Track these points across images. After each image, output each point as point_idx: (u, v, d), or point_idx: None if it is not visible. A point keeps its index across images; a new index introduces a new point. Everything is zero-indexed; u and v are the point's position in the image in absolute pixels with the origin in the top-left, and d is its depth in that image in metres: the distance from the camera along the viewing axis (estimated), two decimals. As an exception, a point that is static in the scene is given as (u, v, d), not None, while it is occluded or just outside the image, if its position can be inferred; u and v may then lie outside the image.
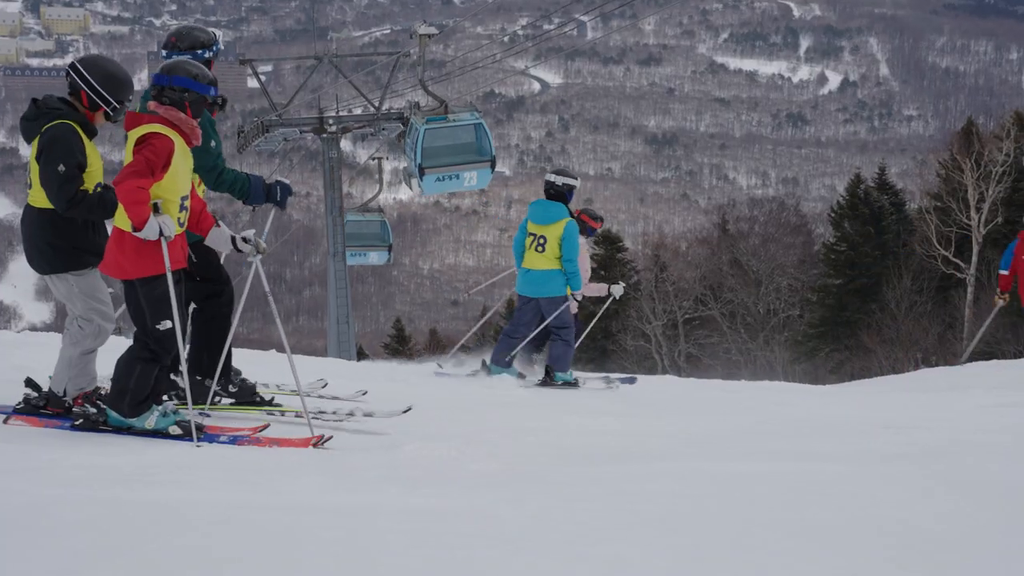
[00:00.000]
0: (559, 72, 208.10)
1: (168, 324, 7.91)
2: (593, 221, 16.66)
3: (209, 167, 9.15)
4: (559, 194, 14.44)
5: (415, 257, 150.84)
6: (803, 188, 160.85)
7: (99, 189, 8.21)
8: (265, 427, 8.58)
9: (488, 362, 14.45)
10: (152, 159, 7.72)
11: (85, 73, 8.31)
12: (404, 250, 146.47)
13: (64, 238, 8.29)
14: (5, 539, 5.13)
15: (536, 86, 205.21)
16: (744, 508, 6.31)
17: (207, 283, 9.47)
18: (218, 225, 8.48)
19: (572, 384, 14.38)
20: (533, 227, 14.35)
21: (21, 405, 8.51)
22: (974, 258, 42.08)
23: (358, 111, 36.78)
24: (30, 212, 8.40)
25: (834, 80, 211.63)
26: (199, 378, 9.33)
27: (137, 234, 7.65)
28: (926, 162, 54.01)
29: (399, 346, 58.34)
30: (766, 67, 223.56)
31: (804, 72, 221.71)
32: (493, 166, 21.76)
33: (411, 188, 22.38)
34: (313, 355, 20.73)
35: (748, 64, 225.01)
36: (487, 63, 65.79)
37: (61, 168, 8.07)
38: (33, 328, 61.30)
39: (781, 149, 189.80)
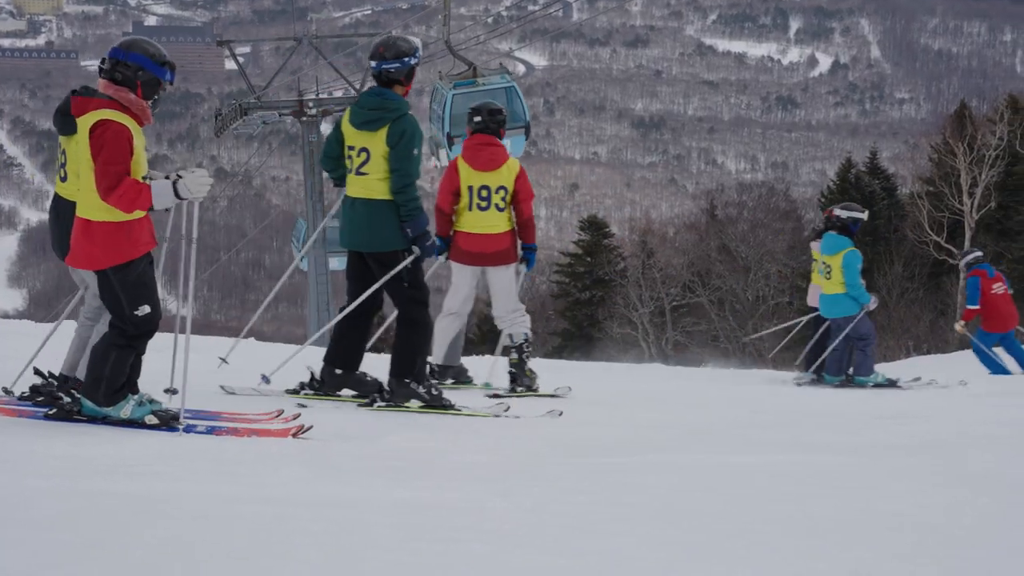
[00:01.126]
0: (544, 54, 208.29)
1: (147, 309, 7.88)
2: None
3: (407, 172, 9.76)
4: (844, 227, 16.04)
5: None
6: (793, 173, 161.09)
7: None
8: (277, 414, 8.68)
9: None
10: (120, 153, 7.72)
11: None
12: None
13: None
14: (-15, 533, 5.08)
15: (521, 68, 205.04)
16: (744, 501, 6.27)
17: (413, 289, 10.02)
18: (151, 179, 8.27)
19: (887, 384, 15.96)
20: (823, 256, 16.18)
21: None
22: (967, 244, 42.12)
23: (339, 94, 36.68)
24: (67, 206, 8.32)
25: (824, 62, 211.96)
26: (407, 381, 9.89)
27: (160, 204, 7.76)
28: (918, 146, 54.12)
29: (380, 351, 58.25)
30: (755, 49, 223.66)
31: (794, 54, 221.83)
32: (528, 133, 20.52)
33: (439, 159, 20.20)
34: (294, 343, 20.53)
35: (737, 46, 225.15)
36: (471, 45, 65.63)
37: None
38: (6, 316, 61.10)
39: (771, 133, 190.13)
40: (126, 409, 8.04)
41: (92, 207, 7.82)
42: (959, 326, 21.16)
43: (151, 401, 8.20)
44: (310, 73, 38.79)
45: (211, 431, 8.16)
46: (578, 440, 8.82)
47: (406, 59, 9.95)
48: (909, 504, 6.19)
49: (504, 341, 12.22)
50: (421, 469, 7.13)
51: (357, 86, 36.19)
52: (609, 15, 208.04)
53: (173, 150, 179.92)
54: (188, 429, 8.11)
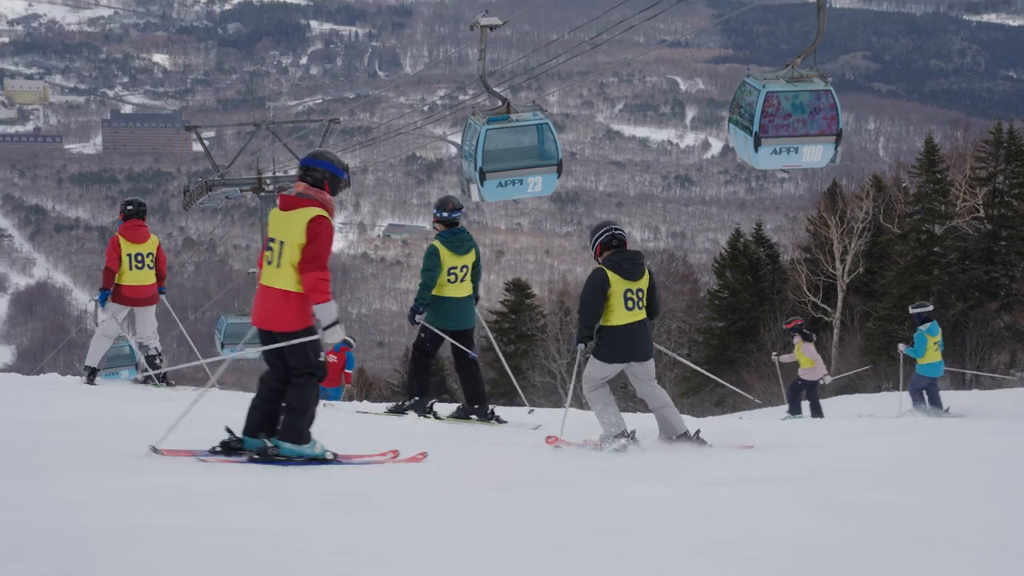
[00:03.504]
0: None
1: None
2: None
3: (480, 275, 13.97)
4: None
5: (344, 303, 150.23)
6: (690, 241, 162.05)
7: None
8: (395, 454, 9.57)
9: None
10: (326, 249, 8.95)
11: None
12: (335, 297, 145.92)
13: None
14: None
15: (453, 150, 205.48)
16: (643, 528, 6.30)
17: (463, 352, 13.51)
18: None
19: None
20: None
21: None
22: (839, 303, 42.56)
23: (293, 172, 36.58)
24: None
25: (716, 146, 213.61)
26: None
27: (318, 309, 8.94)
28: (797, 219, 54.70)
29: (330, 383, 57.84)
30: (657, 134, 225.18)
31: (690, 139, 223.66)
32: (560, 170, 18.09)
33: (470, 195, 18.15)
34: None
35: (641, 131, 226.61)
36: (409, 129, 65.69)
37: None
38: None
39: (670, 207, 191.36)
40: (317, 446, 9.00)
41: (292, 281, 8.86)
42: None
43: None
44: (268, 154, 38.64)
45: (356, 464, 9.20)
46: (500, 476, 8.83)
47: (459, 212, 13.46)
48: (788, 529, 6.24)
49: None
50: (366, 502, 7.11)
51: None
52: (529, 103, 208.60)
53: (146, 222, 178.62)
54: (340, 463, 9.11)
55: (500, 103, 17.63)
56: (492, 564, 5.39)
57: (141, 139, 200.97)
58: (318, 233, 8.79)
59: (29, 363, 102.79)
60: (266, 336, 8.98)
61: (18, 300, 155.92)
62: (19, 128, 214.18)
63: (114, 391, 14.50)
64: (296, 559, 5.33)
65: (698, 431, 11.53)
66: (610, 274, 11.35)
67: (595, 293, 11.35)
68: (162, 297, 16.17)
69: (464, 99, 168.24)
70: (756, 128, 16.21)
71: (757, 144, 16.46)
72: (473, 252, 13.52)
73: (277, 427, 9.00)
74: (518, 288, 52.23)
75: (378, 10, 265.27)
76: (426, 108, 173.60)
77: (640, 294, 11.61)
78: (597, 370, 11.65)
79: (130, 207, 16.23)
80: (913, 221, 41.71)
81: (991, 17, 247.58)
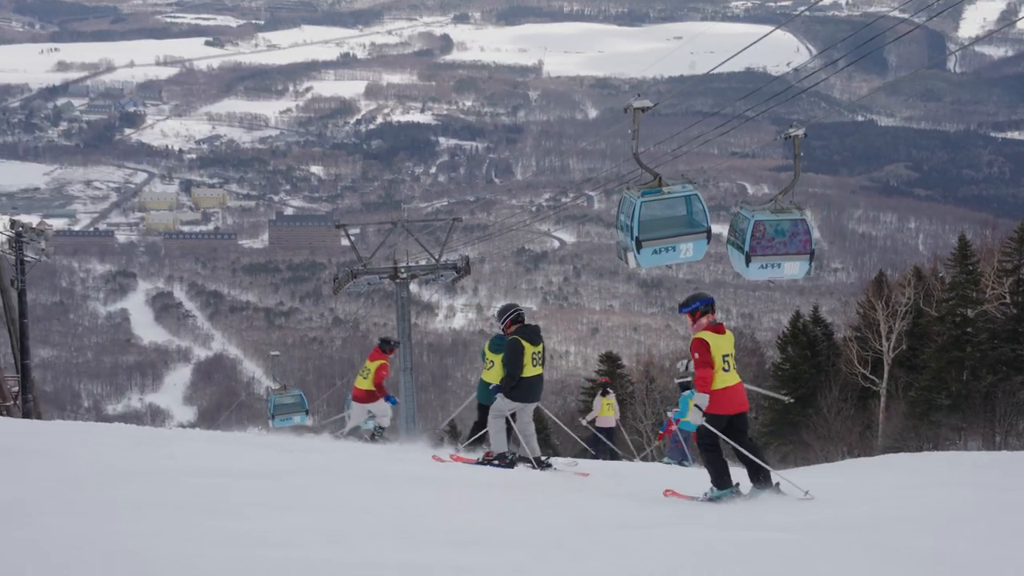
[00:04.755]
0: (573, 233, 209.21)
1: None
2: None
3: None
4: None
5: (465, 371, 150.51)
6: (757, 321, 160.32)
7: None
8: None
9: None
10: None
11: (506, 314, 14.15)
12: (456, 366, 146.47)
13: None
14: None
15: (556, 243, 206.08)
16: (718, 571, 6.18)
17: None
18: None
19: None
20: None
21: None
22: (885, 375, 41.90)
23: (423, 262, 36.90)
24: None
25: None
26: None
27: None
28: (849, 303, 53.94)
29: (452, 439, 57.99)
30: (727, 231, 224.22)
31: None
32: (709, 237, 17.44)
33: (627, 263, 17.32)
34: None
35: (715, 228, 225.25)
36: (519, 226, 66.30)
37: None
38: (181, 426, 61.31)
39: (740, 292, 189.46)
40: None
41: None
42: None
43: None
44: (402, 247, 39.01)
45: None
46: (591, 518, 8.74)
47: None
48: (848, 573, 6.08)
49: None
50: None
51: (436, 257, 36.47)
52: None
53: (303, 304, 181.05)
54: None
55: (652, 177, 17.02)
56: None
57: (300, 236, 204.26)
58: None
59: (208, 421, 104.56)
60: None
61: (199, 369, 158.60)
62: (202, 227, 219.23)
63: (275, 443, 14.63)
64: None
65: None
66: (523, 342, 13.78)
67: (518, 355, 13.72)
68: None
69: (566, 201, 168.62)
70: (747, 248, 17.38)
71: (748, 261, 17.67)
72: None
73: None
74: (610, 360, 52.15)
75: (495, 128, 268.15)
76: (533, 209, 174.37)
77: (539, 355, 14.03)
78: (506, 406, 13.98)
79: (386, 344, 19.87)
80: (949, 306, 41.07)
81: (1014, 134, 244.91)
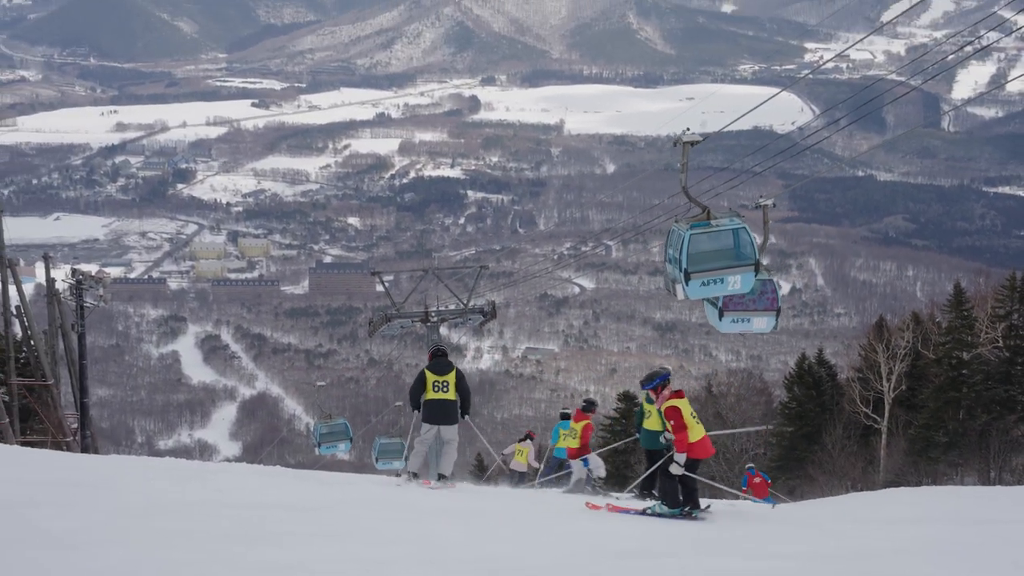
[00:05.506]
0: (593, 279, 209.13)
1: None
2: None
3: None
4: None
5: (491, 409, 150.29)
6: (765, 362, 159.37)
7: None
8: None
9: None
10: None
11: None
12: (483, 404, 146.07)
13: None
14: None
15: (577, 289, 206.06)
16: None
17: None
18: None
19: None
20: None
21: None
22: (886, 414, 41.59)
23: (452, 307, 36.90)
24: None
25: (786, 287, 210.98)
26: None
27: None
28: (851, 345, 53.64)
29: (480, 473, 57.80)
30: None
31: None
32: (757, 270, 16.32)
33: (675, 295, 16.57)
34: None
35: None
36: (542, 273, 66.32)
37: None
38: (227, 460, 61.23)
39: (749, 336, 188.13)
40: None
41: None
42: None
43: None
44: (433, 293, 39.10)
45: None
46: (604, 545, 8.70)
47: None
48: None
49: None
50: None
51: (464, 301, 36.53)
52: (636, 253, 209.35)
53: (340, 346, 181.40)
54: None
55: (701, 211, 16.30)
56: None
57: (338, 282, 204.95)
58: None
59: (252, 455, 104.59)
60: None
61: (244, 407, 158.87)
62: (248, 275, 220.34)
63: (314, 476, 14.64)
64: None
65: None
66: (427, 372, 15.55)
67: (416, 383, 15.67)
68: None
69: (586, 249, 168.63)
70: (720, 304, 17.34)
71: (721, 315, 17.84)
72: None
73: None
74: (627, 398, 51.93)
75: (519, 182, 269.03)
76: (555, 257, 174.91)
77: (446, 384, 15.47)
78: (423, 429, 15.50)
79: (589, 406, 20.82)
80: (945, 349, 40.81)
81: (1005, 189, 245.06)
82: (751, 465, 25.42)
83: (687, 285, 16.11)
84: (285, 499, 10.46)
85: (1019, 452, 37.41)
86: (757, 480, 24.01)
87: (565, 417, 25.52)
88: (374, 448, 36.99)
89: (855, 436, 41.84)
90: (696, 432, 13.15)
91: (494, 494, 14.77)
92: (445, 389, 15.47)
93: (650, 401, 15.47)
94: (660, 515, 12.70)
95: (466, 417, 15.97)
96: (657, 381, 13.92)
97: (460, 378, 15.78)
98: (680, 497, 13.02)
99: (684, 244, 15.99)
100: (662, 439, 14.32)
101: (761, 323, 18.03)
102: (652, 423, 15.46)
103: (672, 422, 12.90)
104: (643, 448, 16.16)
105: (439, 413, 15.49)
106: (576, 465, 20.52)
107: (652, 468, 15.60)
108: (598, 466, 20.55)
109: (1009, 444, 36.08)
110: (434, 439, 15.46)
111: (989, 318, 40.42)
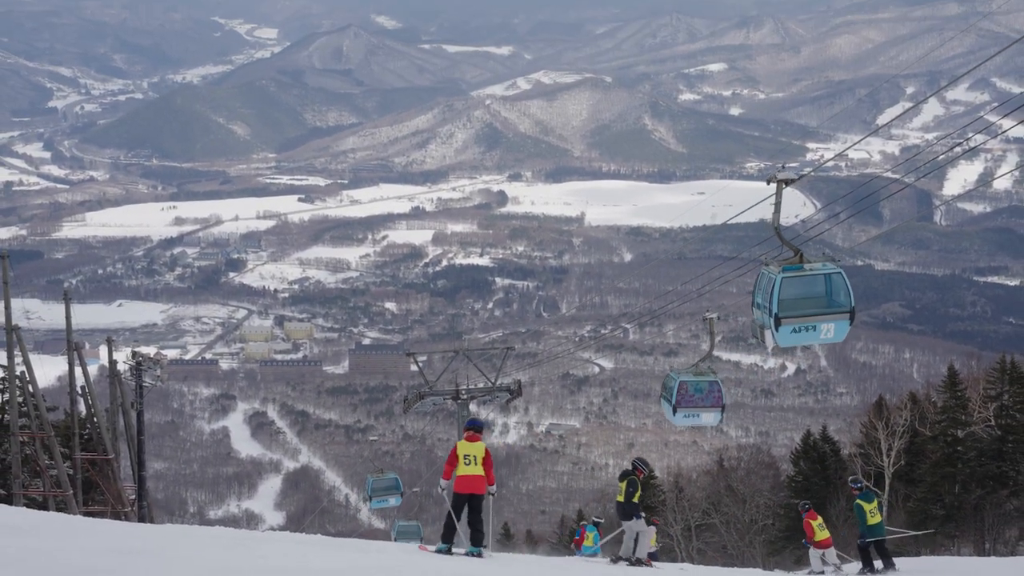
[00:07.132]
0: (612, 360, 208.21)
1: None
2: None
3: None
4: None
5: (517, 482, 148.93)
6: (772, 438, 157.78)
7: None
8: None
9: None
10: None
11: None
12: (509, 476, 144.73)
13: None
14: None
15: (596, 369, 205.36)
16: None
17: None
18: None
19: None
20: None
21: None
22: (887, 488, 41.13)
23: (481, 385, 36.97)
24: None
25: (791, 368, 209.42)
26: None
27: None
28: (853, 423, 53.29)
29: (506, 540, 57.28)
30: (746, 359, 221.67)
31: (772, 363, 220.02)
32: (852, 318, 14.55)
33: (763, 342, 14.94)
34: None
35: (734, 356, 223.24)
36: (564, 354, 66.25)
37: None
38: (271, 528, 61.08)
39: (758, 412, 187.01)
40: None
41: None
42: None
43: None
44: (463, 372, 39.18)
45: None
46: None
47: None
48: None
49: None
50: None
51: (493, 381, 36.55)
52: (652, 335, 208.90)
53: (377, 421, 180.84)
54: None
55: (793, 253, 14.54)
56: None
57: (375, 362, 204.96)
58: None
59: (294, 524, 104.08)
60: None
61: (288, 479, 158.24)
62: (292, 356, 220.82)
63: (352, 544, 14.60)
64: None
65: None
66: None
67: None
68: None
69: (605, 332, 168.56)
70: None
71: (675, 411, 18.84)
72: None
73: None
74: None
75: (543, 270, 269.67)
76: (576, 339, 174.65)
77: (475, 457, 15.13)
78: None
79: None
80: (941, 427, 40.51)
81: (994, 278, 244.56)
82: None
83: (777, 331, 14.44)
84: (327, 566, 10.46)
85: (1012, 525, 36.96)
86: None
87: (597, 525, 25.48)
88: (366, 487, 36.80)
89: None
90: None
91: (523, 562, 14.64)
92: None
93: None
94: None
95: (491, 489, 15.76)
96: (466, 425, 16.22)
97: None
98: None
99: (775, 288, 14.30)
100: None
101: (709, 417, 19.00)
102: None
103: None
104: None
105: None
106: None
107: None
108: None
109: (1002, 517, 35.62)
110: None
111: (981, 398, 40.19)
